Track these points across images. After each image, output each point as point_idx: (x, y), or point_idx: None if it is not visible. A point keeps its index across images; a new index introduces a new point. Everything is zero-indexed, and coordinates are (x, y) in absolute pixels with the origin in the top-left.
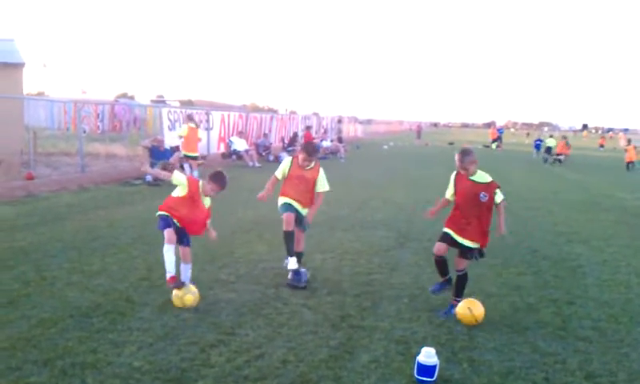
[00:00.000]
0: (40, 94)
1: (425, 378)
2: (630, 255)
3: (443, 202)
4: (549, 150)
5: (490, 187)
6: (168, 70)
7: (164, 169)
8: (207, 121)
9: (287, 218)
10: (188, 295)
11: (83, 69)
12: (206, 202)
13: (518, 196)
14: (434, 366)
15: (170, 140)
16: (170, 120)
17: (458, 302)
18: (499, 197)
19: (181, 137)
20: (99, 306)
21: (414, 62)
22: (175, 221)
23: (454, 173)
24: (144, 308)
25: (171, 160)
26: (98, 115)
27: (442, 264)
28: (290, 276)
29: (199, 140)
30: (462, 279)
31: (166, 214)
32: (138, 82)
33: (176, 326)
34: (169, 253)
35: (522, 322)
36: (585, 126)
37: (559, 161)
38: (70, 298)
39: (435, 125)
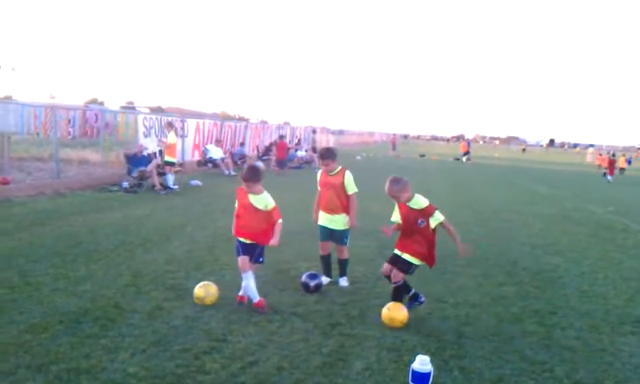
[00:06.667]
0: (7, 97)
1: None
2: (606, 267)
3: (395, 226)
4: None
5: (425, 213)
6: (137, 77)
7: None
8: (182, 128)
9: (321, 246)
10: (209, 297)
11: (52, 73)
12: (261, 202)
13: (492, 209)
14: (429, 374)
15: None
16: (145, 127)
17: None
18: (435, 220)
19: (169, 145)
20: (88, 312)
21: (385, 75)
22: (242, 239)
23: None
24: (133, 314)
25: (148, 168)
26: (69, 121)
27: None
28: (304, 278)
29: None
30: (399, 289)
31: (236, 237)
32: (108, 88)
33: (167, 332)
34: (246, 280)
35: (507, 331)
36: (552, 141)
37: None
38: (57, 304)
39: (405, 137)
